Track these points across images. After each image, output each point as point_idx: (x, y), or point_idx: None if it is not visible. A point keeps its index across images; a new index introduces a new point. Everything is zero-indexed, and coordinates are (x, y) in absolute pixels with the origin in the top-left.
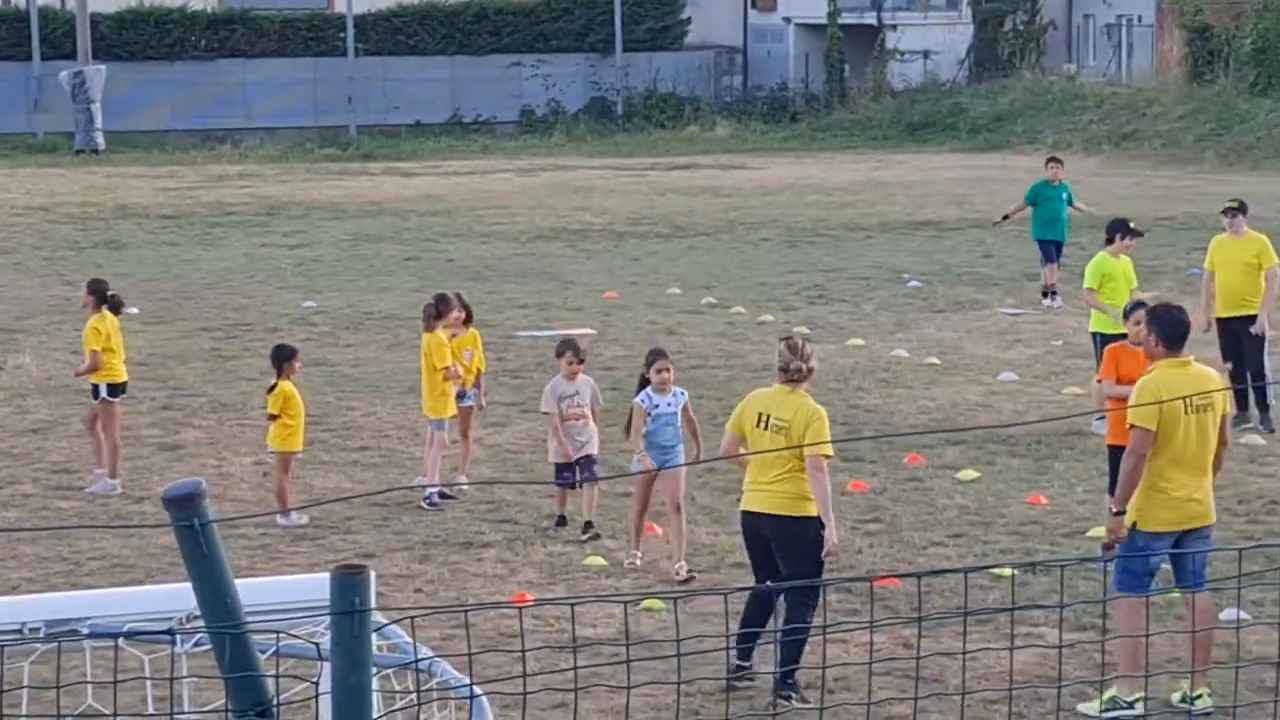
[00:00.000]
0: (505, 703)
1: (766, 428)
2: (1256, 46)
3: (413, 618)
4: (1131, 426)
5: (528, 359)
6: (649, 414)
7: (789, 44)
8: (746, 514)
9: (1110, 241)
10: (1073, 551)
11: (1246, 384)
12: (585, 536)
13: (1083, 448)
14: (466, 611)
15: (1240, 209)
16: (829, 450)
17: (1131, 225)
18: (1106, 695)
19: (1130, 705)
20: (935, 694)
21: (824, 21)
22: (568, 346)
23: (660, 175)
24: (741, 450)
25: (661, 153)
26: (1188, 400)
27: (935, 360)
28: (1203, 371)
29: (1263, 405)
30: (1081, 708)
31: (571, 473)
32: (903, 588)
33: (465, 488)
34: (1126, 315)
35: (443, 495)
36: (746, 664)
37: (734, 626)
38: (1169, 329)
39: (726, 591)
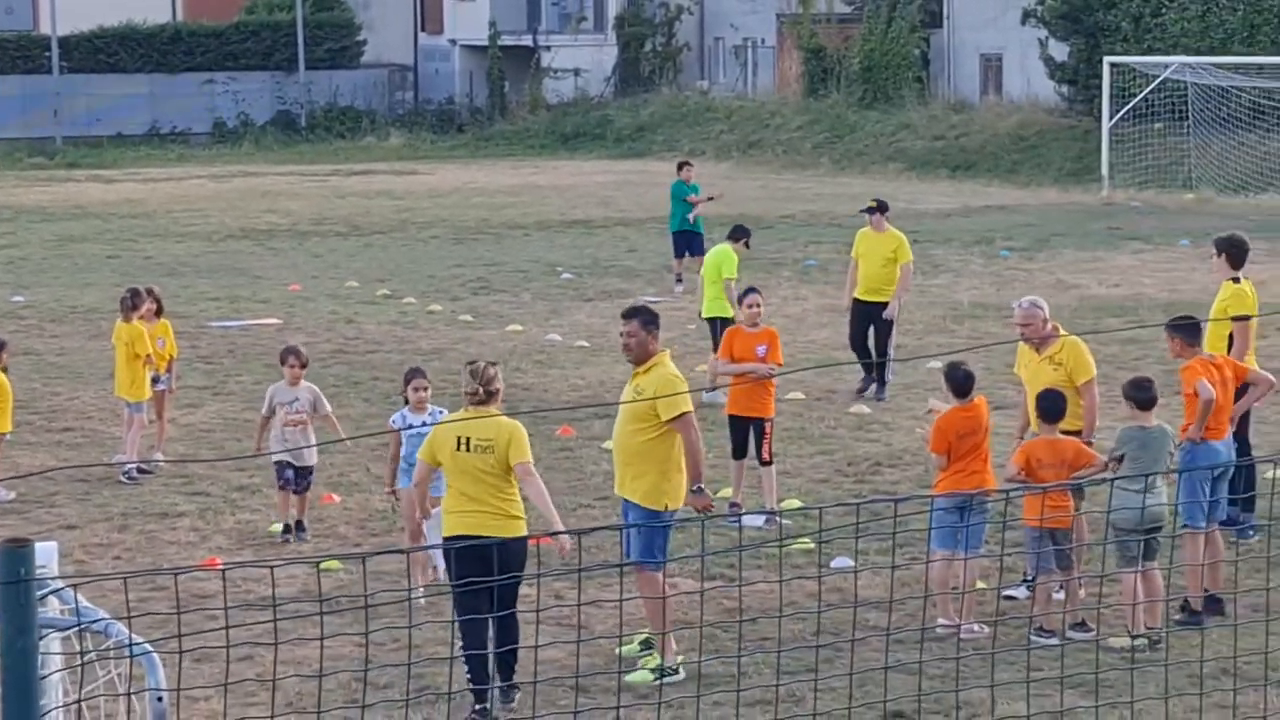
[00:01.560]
0: (197, 657)
1: (470, 450)
2: (864, 66)
3: (76, 585)
4: (689, 412)
5: (219, 347)
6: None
7: (455, 63)
8: (464, 538)
9: (737, 240)
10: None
11: (872, 360)
12: (294, 536)
13: (712, 419)
14: (126, 578)
15: (879, 208)
16: (530, 457)
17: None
18: (652, 665)
19: (675, 670)
20: (581, 640)
21: (486, 43)
22: (290, 353)
23: (340, 180)
24: (433, 478)
25: (341, 160)
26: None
27: (585, 343)
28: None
29: (881, 380)
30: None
31: (292, 473)
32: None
33: (161, 463)
34: (741, 300)
35: (140, 470)
36: (486, 704)
37: (401, 583)
38: (658, 325)
39: (401, 550)
